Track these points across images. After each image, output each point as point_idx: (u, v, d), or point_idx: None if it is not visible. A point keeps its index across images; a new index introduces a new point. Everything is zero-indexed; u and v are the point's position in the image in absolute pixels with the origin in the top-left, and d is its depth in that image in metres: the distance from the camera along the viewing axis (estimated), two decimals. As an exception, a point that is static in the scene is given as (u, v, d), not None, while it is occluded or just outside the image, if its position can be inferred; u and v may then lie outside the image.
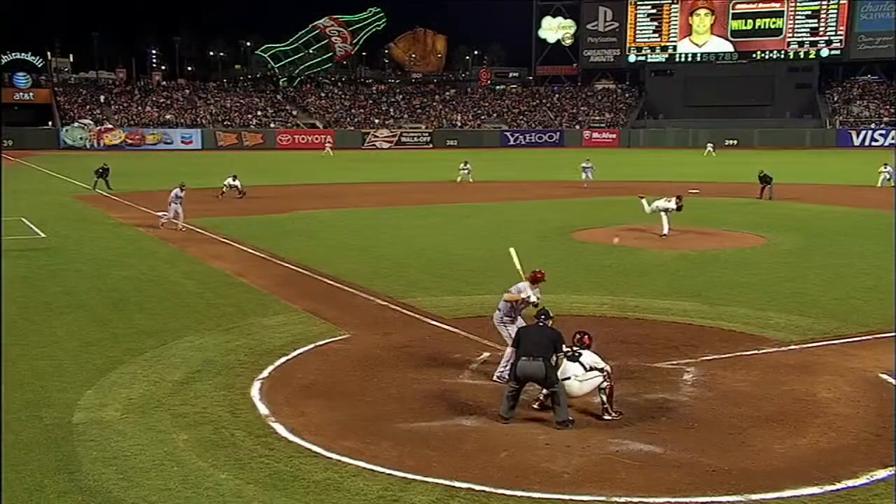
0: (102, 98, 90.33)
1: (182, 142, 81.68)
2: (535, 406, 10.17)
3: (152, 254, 22.12)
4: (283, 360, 12.35)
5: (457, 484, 8.14)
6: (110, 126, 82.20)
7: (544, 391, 10.10)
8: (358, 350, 12.94)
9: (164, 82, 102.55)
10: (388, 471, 8.45)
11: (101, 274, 19.23)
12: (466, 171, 45.24)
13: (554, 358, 9.77)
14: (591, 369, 9.97)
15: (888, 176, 40.36)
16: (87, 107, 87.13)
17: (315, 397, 10.77)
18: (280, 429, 9.63)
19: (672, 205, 24.01)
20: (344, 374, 11.79)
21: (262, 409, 10.29)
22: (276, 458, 8.82)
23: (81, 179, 43.31)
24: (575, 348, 10.13)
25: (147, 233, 25.85)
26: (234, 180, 36.50)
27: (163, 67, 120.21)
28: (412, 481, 8.23)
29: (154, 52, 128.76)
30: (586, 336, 10.30)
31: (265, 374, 11.67)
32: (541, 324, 10.18)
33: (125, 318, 14.97)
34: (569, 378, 9.92)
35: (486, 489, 8.03)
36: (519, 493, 7.95)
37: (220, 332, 13.93)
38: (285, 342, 13.24)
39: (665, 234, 23.90)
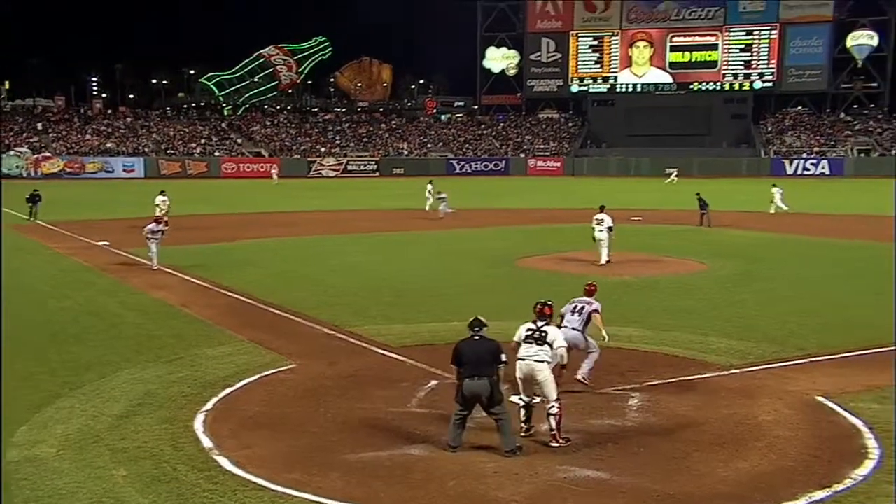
0: (40, 126, 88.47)
1: (124, 170, 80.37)
2: (523, 434, 10.15)
3: (91, 284, 21.62)
4: (227, 391, 12.12)
5: (404, 514, 8.06)
6: (48, 154, 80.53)
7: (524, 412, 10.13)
8: (304, 380, 12.78)
9: (105, 110, 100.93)
10: (334, 502, 8.34)
11: (38, 305, 18.71)
12: (433, 198, 41.59)
13: (501, 370, 9.61)
14: (559, 346, 10.11)
15: (780, 198, 41.27)
16: (24, 135, 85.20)
17: (260, 429, 10.59)
18: (224, 462, 9.43)
19: (603, 234, 24.03)
20: (290, 404, 11.62)
21: (206, 442, 10.07)
22: (220, 492, 8.64)
23: (16, 209, 42.24)
24: (540, 326, 10.13)
25: (86, 263, 25.27)
26: (163, 196, 35.01)
27: (103, 95, 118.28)
28: (359, 513, 8.12)
29: (94, 79, 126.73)
30: (547, 306, 10.33)
31: (209, 406, 11.44)
32: (476, 337, 9.82)
33: (62, 350, 14.57)
34: (543, 362, 10.01)
35: (434, 519, 7.97)
36: (467, 523, 7.90)
37: (162, 363, 13.64)
38: (230, 373, 13.01)
39: (603, 264, 23.91)
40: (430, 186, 43.09)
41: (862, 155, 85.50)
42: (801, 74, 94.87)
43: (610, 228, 24.11)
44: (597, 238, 24.19)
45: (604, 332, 12.26)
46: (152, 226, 23.81)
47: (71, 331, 16.13)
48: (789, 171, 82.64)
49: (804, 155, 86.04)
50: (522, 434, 10.15)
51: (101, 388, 12.28)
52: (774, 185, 42.78)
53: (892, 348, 14.48)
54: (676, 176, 38.07)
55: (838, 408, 11.34)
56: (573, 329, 11.99)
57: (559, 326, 11.37)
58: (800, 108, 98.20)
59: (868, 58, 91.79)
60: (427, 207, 42.20)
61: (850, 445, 10.01)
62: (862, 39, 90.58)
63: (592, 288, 12.92)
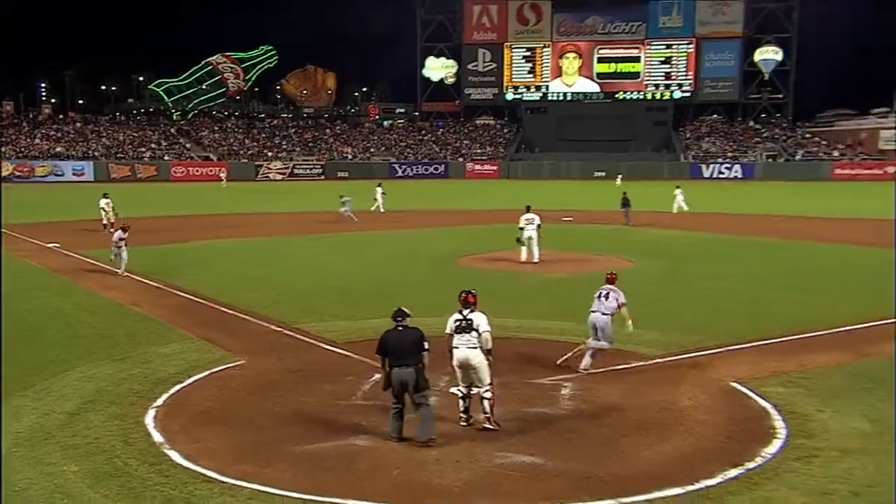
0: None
1: (73, 174, 78.23)
2: (462, 423, 10.15)
3: (42, 286, 20.99)
4: (178, 387, 11.92)
5: (351, 502, 8.02)
6: (-2, 158, 78.04)
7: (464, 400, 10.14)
8: (253, 375, 12.62)
9: (54, 115, 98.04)
10: (283, 492, 8.25)
11: (-10, 306, 18.10)
12: (380, 200, 42.86)
13: (426, 357, 9.59)
14: (484, 331, 10.12)
15: (681, 199, 42.13)
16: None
17: (210, 423, 10.43)
18: (175, 456, 9.27)
19: (533, 233, 24.09)
20: (239, 399, 11.47)
21: (157, 437, 9.89)
22: (171, 485, 8.49)
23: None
24: (466, 315, 10.14)
25: (37, 265, 24.53)
26: (106, 199, 33.68)
27: (53, 100, 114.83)
28: (307, 502, 8.06)
29: (43, 84, 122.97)
30: (471, 294, 10.36)
31: (160, 402, 11.23)
32: (400, 327, 9.76)
33: (12, 351, 14.09)
34: (476, 347, 10.04)
35: (379, 506, 7.95)
36: (410, 509, 7.90)
37: (113, 361, 13.33)
38: (180, 370, 12.78)
39: (537, 261, 23.95)
40: (379, 189, 43.64)
41: (770, 160, 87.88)
42: (715, 85, 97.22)
43: (538, 226, 24.21)
44: (526, 237, 24.16)
45: (629, 322, 12.75)
46: (119, 233, 22.29)
47: (21, 332, 15.63)
48: (706, 174, 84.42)
49: (719, 160, 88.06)
50: (462, 423, 10.19)
51: (52, 386, 11.96)
52: (678, 188, 43.54)
53: (797, 336, 14.95)
54: (622, 179, 38.73)
55: (750, 392, 11.65)
56: (602, 314, 12.70)
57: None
58: (715, 116, 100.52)
59: (774, 71, 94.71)
60: (372, 209, 42.56)
61: (760, 427, 10.29)
62: (768, 54, 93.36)
63: (614, 276, 13.34)
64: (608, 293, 12.82)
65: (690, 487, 8.42)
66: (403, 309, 9.90)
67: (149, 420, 10.49)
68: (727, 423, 10.46)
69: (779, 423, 10.37)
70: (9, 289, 20.37)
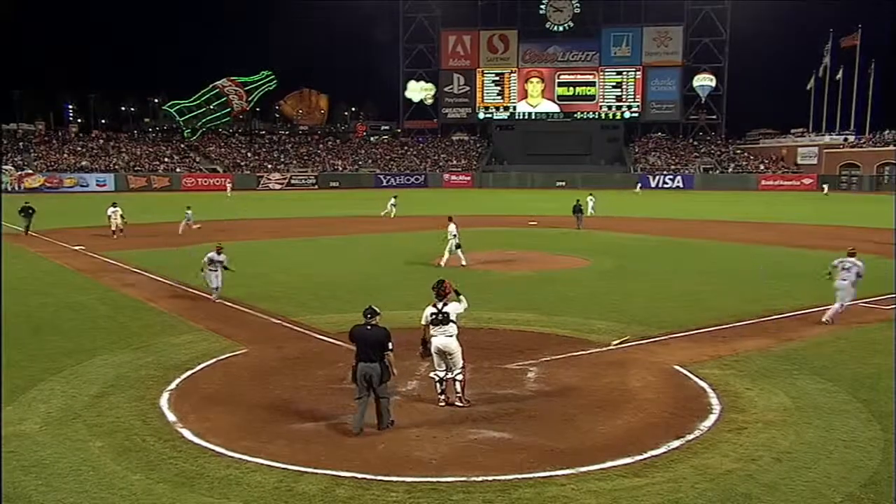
0: (23, 147, 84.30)
1: (97, 185, 77.15)
2: (440, 404, 10.13)
3: (69, 283, 20.73)
4: (189, 373, 11.83)
5: (342, 473, 8.01)
6: (30, 171, 76.82)
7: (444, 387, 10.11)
8: (255, 362, 12.55)
9: (80, 133, 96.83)
10: (282, 465, 8.23)
11: (20, 302, 17.85)
12: (393, 207, 42.75)
13: (390, 353, 9.24)
14: (457, 320, 10.11)
15: (591, 205, 42.02)
16: (9, 154, 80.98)
17: (218, 404, 10.36)
18: (186, 433, 9.21)
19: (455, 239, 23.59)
20: (243, 384, 11.40)
21: (171, 417, 9.81)
22: (183, 458, 8.43)
23: (10, 221, 40.17)
24: (441, 308, 10.08)
25: (64, 265, 24.20)
26: (114, 208, 32.74)
27: (79, 120, 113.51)
28: (304, 473, 8.04)
29: (71, 107, 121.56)
30: (444, 284, 10.29)
31: (173, 386, 11.14)
32: (368, 326, 9.37)
33: (43, 340, 13.96)
34: (452, 336, 10.05)
35: (367, 477, 7.95)
36: (395, 479, 7.91)
37: (131, 350, 13.20)
38: (191, 357, 12.68)
39: (465, 264, 23.15)
40: (393, 199, 43.49)
41: (706, 172, 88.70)
42: (659, 107, 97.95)
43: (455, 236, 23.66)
44: (458, 245, 23.47)
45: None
46: (212, 254, 17.63)
47: (51, 323, 15.46)
48: (653, 184, 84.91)
49: (664, 171, 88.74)
50: (440, 404, 10.20)
51: (78, 371, 11.83)
52: (590, 195, 43.43)
53: (731, 325, 15.12)
54: (592, 199, 39.23)
55: (690, 374, 11.76)
56: (843, 280, 14.99)
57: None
58: (659, 133, 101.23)
59: (709, 95, 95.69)
60: (382, 213, 42.77)
61: (699, 404, 10.40)
62: (704, 81, 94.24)
63: (854, 251, 15.29)
64: (850, 266, 14.87)
65: (638, 457, 8.50)
66: (374, 308, 9.49)
67: (163, 402, 10.41)
68: (670, 400, 10.56)
69: (714, 401, 10.49)
70: (40, 286, 20.11)
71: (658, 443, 8.90)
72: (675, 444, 8.90)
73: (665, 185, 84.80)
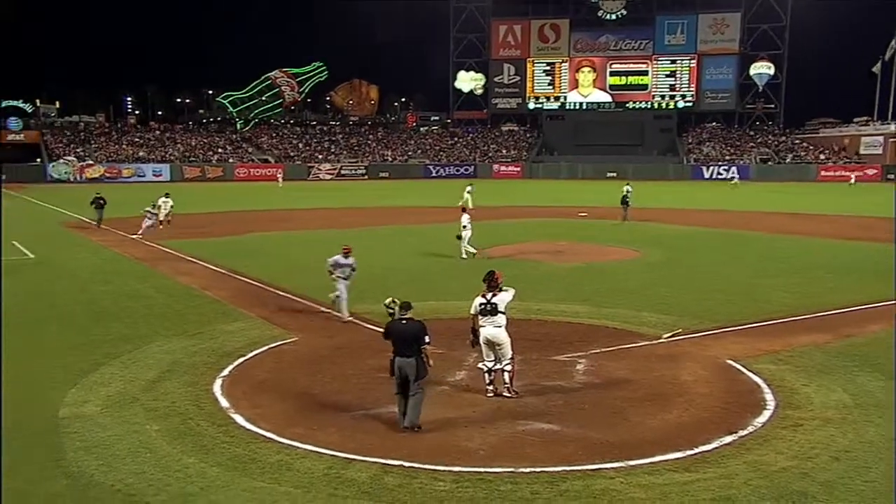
0: (84, 138, 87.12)
1: (153, 175, 79.20)
2: (489, 395, 10.13)
3: (127, 271, 21.37)
4: (241, 360, 12.08)
5: (390, 461, 8.09)
6: (91, 162, 79.30)
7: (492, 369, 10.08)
8: (306, 351, 12.74)
9: (138, 125, 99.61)
10: (331, 452, 8.34)
11: (83, 289, 18.51)
12: (469, 195, 41.09)
13: (427, 346, 9.05)
14: (505, 311, 10.09)
15: (467, 197, 40.50)
16: (71, 146, 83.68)
17: (269, 391, 10.57)
18: (239, 419, 9.41)
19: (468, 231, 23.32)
20: (294, 371, 11.60)
21: (224, 403, 10.04)
22: (236, 443, 8.62)
23: (65, 208, 41.66)
24: (490, 298, 10.06)
25: (123, 253, 24.95)
26: (165, 198, 32.56)
27: (137, 112, 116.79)
28: (353, 461, 8.14)
29: (129, 99, 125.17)
30: (495, 275, 10.27)
31: (226, 372, 11.40)
32: (403, 321, 9.24)
33: (104, 326, 14.43)
34: (500, 326, 10.02)
35: (416, 465, 8.01)
36: (443, 468, 7.95)
37: (186, 337, 13.55)
38: (243, 345, 12.95)
39: (465, 257, 22.97)
40: (469, 188, 42.39)
41: (763, 162, 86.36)
42: (714, 96, 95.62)
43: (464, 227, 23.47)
44: (459, 237, 23.31)
45: None
46: (338, 258, 15.00)
47: (111, 310, 15.97)
48: (706, 175, 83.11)
49: (718, 162, 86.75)
50: (488, 395, 10.21)
51: (136, 357, 12.19)
52: (627, 184, 41.37)
53: (786, 319, 14.74)
54: (629, 188, 37.96)
55: (743, 369, 11.52)
56: None
57: None
58: (714, 123, 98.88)
59: (767, 84, 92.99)
60: (459, 203, 40.43)
61: (752, 399, 10.19)
62: (761, 69, 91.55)
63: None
64: None
65: (689, 452, 8.37)
66: (409, 302, 9.43)
67: (217, 388, 10.66)
68: (723, 395, 10.37)
69: (768, 396, 10.26)
70: (102, 274, 20.76)
71: (710, 438, 8.75)
72: (728, 439, 8.74)
73: (719, 176, 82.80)
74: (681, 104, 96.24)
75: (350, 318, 14.71)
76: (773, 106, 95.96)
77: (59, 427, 9.10)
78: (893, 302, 14.86)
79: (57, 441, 8.67)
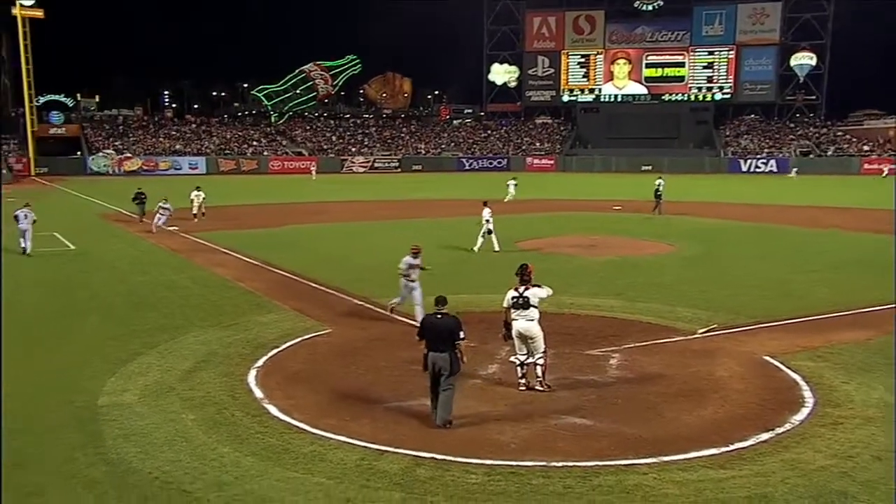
0: (122, 131, 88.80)
1: (189, 168, 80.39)
2: (521, 388, 10.13)
3: (164, 262, 21.75)
4: (275, 351, 12.22)
5: (423, 454, 8.13)
6: (129, 155, 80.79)
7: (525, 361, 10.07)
8: (339, 342, 12.84)
9: (174, 118, 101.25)
10: (364, 444, 8.40)
11: (121, 279, 18.89)
12: (513, 187, 41.47)
13: (461, 342, 8.97)
14: (538, 305, 10.07)
15: (512, 190, 40.10)
16: (110, 139, 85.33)
17: (302, 383, 10.68)
18: (273, 409, 9.53)
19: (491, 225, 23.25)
20: (327, 362, 11.70)
21: (258, 393, 10.18)
22: (270, 434, 8.73)
23: (104, 200, 42.52)
24: (522, 292, 10.06)
25: (160, 245, 25.39)
26: (197, 191, 33.07)
27: (173, 106, 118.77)
28: (385, 452, 8.19)
29: (166, 93, 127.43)
30: (528, 267, 10.28)
31: (260, 363, 11.54)
32: (438, 315, 9.18)
33: (141, 316, 14.71)
34: (533, 320, 10.02)
35: (448, 458, 8.03)
36: (475, 461, 7.96)
37: (221, 328, 13.74)
38: (277, 336, 13.10)
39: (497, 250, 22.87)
40: (512, 181, 42.30)
41: (803, 155, 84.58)
42: (753, 88, 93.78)
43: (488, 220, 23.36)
44: (489, 230, 23.19)
45: None
46: (409, 258, 14.22)
47: (148, 300, 16.27)
48: (744, 168, 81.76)
49: (756, 155, 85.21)
50: (521, 388, 10.19)
51: (172, 347, 12.40)
52: (660, 177, 40.06)
53: (823, 316, 14.46)
54: (661, 181, 37.49)
55: (780, 365, 11.34)
56: None
57: None
58: (752, 115, 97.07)
59: (808, 75, 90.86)
60: (506, 199, 40.68)
61: (790, 396, 10.02)
62: (803, 60, 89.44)
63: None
64: None
65: (724, 448, 8.27)
66: (443, 297, 9.40)
67: (251, 378, 10.80)
68: (760, 392, 10.22)
69: (807, 394, 10.08)
70: (139, 265, 21.16)
71: (746, 435, 8.63)
72: (764, 436, 8.61)
73: (757, 170, 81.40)
74: (718, 96, 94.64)
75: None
76: (814, 97, 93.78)
77: (98, 415, 9.31)
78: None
79: (97, 429, 8.87)
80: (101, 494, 7.23)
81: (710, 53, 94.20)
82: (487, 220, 23.44)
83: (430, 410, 9.09)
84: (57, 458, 8.05)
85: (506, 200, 40.75)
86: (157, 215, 28.58)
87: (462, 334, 9.04)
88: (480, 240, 23.44)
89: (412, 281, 13.88)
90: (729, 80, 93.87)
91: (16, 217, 23.36)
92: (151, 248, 24.69)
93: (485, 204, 23.97)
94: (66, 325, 14.07)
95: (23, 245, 22.95)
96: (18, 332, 13.47)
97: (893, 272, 17.78)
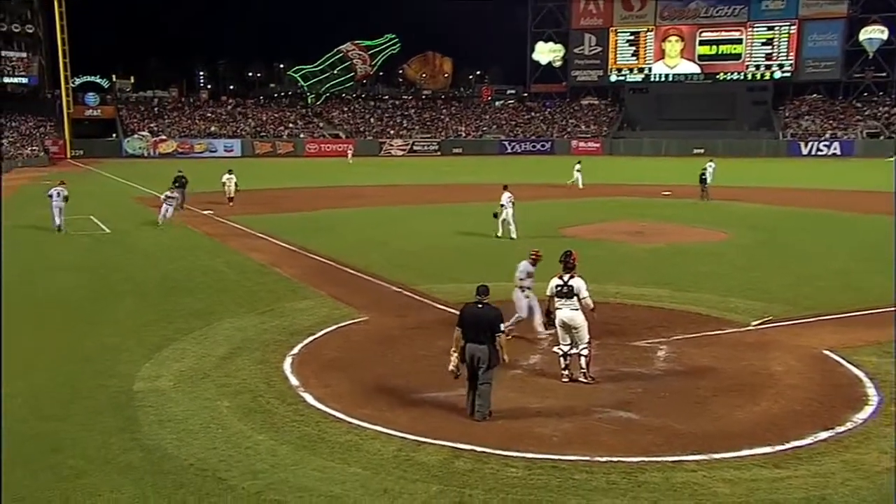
0: (158, 113, 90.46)
1: (225, 150, 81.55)
2: (564, 380, 10.13)
3: (199, 247, 22.16)
4: (311, 338, 12.38)
5: (462, 446, 8.16)
6: (164, 137, 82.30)
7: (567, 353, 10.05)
8: (376, 330, 12.95)
9: (210, 99, 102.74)
10: (401, 434, 8.47)
11: (156, 264, 19.30)
12: (578, 173, 41.14)
13: (501, 335, 8.87)
14: (584, 297, 10.02)
15: (710, 172, 39.35)
16: (145, 121, 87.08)
17: (338, 370, 10.80)
18: (308, 398, 9.66)
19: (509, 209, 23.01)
20: (363, 351, 11.81)
21: (293, 381, 10.33)
22: (306, 422, 8.86)
23: (140, 183, 43.42)
24: (567, 280, 10.02)
25: (194, 229, 25.84)
26: (229, 175, 33.18)
27: (209, 87, 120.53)
28: (423, 443, 8.25)
29: (201, 73, 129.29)
30: (571, 256, 10.24)
31: (296, 350, 11.71)
32: (480, 305, 9.05)
33: (176, 301, 15.02)
34: (577, 310, 10.00)
35: (487, 450, 8.05)
36: (515, 454, 7.98)
37: (257, 314, 13.96)
38: (313, 323, 13.26)
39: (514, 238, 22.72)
40: (578, 165, 42.22)
41: (870, 137, 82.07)
42: (816, 65, 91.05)
43: (513, 204, 23.20)
44: (506, 214, 23.01)
45: None
46: (526, 264, 12.45)
47: (183, 285, 16.61)
48: (804, 151, 79.79)
49: (818, 137, 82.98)
50: (563, 380, 10.16)
51: (207, 333, 12.64)
52: (711, 160, 39.81)
53: (891, 308, 14.06)
54: (712, 165, 37.28)
55: (842, 360, 11.10)
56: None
57: None
58: (815, 95, 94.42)
59: (878, 50, 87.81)
60: (569, 181, 41.13)
61: (852, 393, 9.81)
62: (874, 33, 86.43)
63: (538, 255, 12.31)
64: None
65: (780, 447, 8.13)
66: (486, 286, 9.24)
67: (286, 366, 10.96)
68: (818, 388, 10.01)
69: (871, 391, 9.85)
70: (174, 250, 21.57)
71: (803, 433, 8.48)
72: (823, 435, 8.44)
73: (819, 153, 79.39)
74: (778, 74, 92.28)
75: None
76: (884, 74, 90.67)
77: (133, 401, 9.56)
78: None
79: (132, 414, 9.11)
80: (137, 480, 7.43)
81: (770, 29, 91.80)
82: (503, 205, 23.21)
83: (467, 404, 9.08)
84: (93, 442, 8.29)
85: (568, 183, 40.56)
86: (163, 206, 26.18)
87: (503, 327, 9.00)
88: (501, 226, 23.26)
89: (527, 289, 12.31)
90: (790, 58, 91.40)
91: (49, 195, 24.58)
92: (187, 233, 25.15)
93: (505, 188, 23.80)
94: (101, 310, 14.45)
95: (56, 222, 24.08)
96: (52, 316, 13.88)
97: (893, 268, 17.17)
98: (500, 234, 23.20)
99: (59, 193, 24.63)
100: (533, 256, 12.36)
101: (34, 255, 20.76)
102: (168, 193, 27.05)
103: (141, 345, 11.95)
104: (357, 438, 8.40)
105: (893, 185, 34.53)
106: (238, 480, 7.42)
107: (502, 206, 23.29)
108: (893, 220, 24.02)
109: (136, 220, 28.11)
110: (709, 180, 35.94)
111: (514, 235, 23.05)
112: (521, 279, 12.25)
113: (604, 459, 7.84)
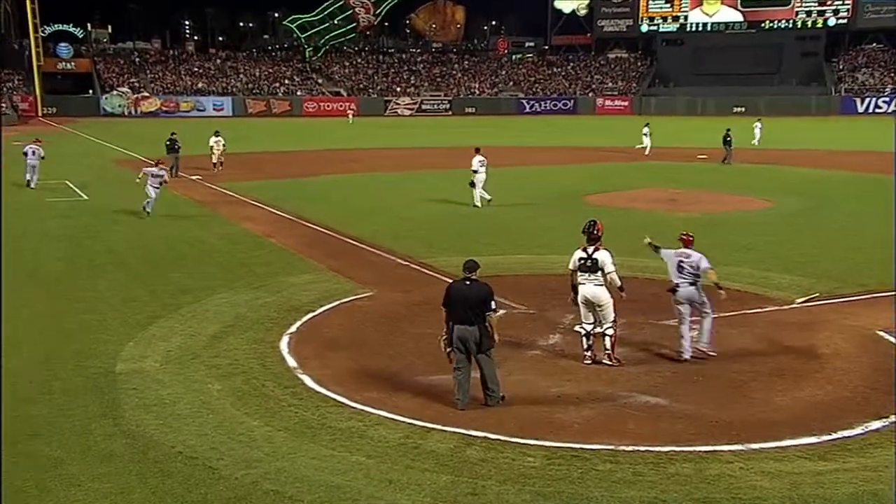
0: (139, 66, 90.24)
1: (214, 109, 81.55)
2: (586, 362, 10.14)
3: (186, 215, 22.22)
4: (309, 315, 12.43)
5: (473, 433, 8.20)
6: (147, 94, 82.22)
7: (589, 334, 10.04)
8: (380, 307, 12.99)
9: (196, 52, 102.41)
10: (408, 420, 8.51)
11: (140, 234, 19.38)
12: (648, 139, 40.69)
13: (492, 313, 8.71)
14: (609, 272, 9.92)
15: (758, 134, 39.23)
16: (125, 75, 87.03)
17: (340, 351, 10.85)
18: (307, 380, 9.72)
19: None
20: (367, 329, 11.85)
21: (291, 362, 10.39)
22: (304, 407, 8.92)
23: (121, 145, 43.51)
24: (591, 253, 9.96)
25: (182, 195, 25.90)
26: (216, 137, 32.74)
27: (195, 38, 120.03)
28: (431, 430, 8.29)
29: (187, 23, 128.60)
30: (598, 224, 10.12)
31: (293, 328, 11.76)
32: (467, 282, 8.88)
33: (162, 275, 15.11)
34: (602, 286, 9.95)
35: (501, 438, 8.09)
36: (532, 442, 8.00)
37: (251, 289, 14.03)
38: (312, 299, 13.31)
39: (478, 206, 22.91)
40: (646, 129, 41.85)
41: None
42: (877, 10, 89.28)
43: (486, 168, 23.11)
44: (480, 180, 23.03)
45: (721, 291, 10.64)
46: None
47: (169, 258, 16.68)
48: (860, 109, 78.94)
49: (877, 93, 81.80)
50: (586, 362, 10.18)
51: (196, 310, 12.71)
52: (758, 120, 40.00)
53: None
54: (759, 126, 37.17)
55: (897, 342, 11.04)
56: (689, 285, 10.62)
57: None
58: (874, 45, 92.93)
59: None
60: (638, 146, 40.87)
61: (908, 379, 9.76)
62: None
63: (689, 238, 11.06)
64: (680, 261, 10.83)
65: (826, 437, 8.12)
66: (474, 260, 9.09)
67: (283, 345, 11.02)
68: (871, 372, 9.98)
69: (929, 376, 9.80)
70: (159, 218, 21.60)
71: (852, 422, 8.46)
72: (875, 424, 8.43)
73: (878, 110, 78.42)
74: (832, 21, 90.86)
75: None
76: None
77: (116, 383, 9.65)
78: None
79: (114, 397, 9.20)
80: (120, 469, 7.50)
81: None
82: (475, 171, 23.04)
83: (461, 396, 8.88)
84: (72, 428, 8.38)
85: (637, 147, 40.25)
86: (148, 187, 21.71)
87: (493, 305, 8.83)
88: (482, 192, 23.11)
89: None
90: (846, 2, 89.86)
91: (24, 153, 25.56)
92: (173, 199, 25.15)
93: (477, 150, 23.57)
94: (80, 285, 14.54)
95: (27, 178, 25.18)
96: (27, 290, 13.99)
97: (893, 252, 16.97)
98: (477, 203, 23.08)
99: (34, 152, 25.56)
100: (685, 239, 11.11)
101: (4, 224, 20.88)
102: (154, 170, 21.93)
103: (124, 322, 12.05)
104: (360, 424, 8.46)
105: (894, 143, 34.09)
106: (230, 470, 7.49)
107: (475, 171, 23.10)
108: (893, 180, 23.79)
109: (116, 186, 28.18)
110: (755, 143, 35.72)
111: (477, 203, 22.97)
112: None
113: (630, 448, 7.87)
